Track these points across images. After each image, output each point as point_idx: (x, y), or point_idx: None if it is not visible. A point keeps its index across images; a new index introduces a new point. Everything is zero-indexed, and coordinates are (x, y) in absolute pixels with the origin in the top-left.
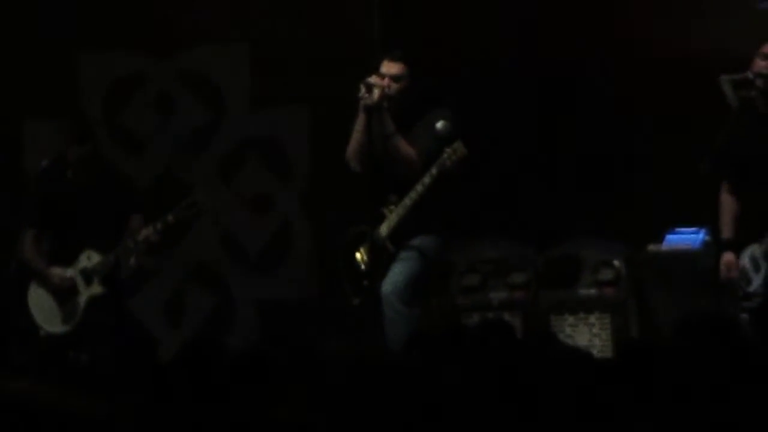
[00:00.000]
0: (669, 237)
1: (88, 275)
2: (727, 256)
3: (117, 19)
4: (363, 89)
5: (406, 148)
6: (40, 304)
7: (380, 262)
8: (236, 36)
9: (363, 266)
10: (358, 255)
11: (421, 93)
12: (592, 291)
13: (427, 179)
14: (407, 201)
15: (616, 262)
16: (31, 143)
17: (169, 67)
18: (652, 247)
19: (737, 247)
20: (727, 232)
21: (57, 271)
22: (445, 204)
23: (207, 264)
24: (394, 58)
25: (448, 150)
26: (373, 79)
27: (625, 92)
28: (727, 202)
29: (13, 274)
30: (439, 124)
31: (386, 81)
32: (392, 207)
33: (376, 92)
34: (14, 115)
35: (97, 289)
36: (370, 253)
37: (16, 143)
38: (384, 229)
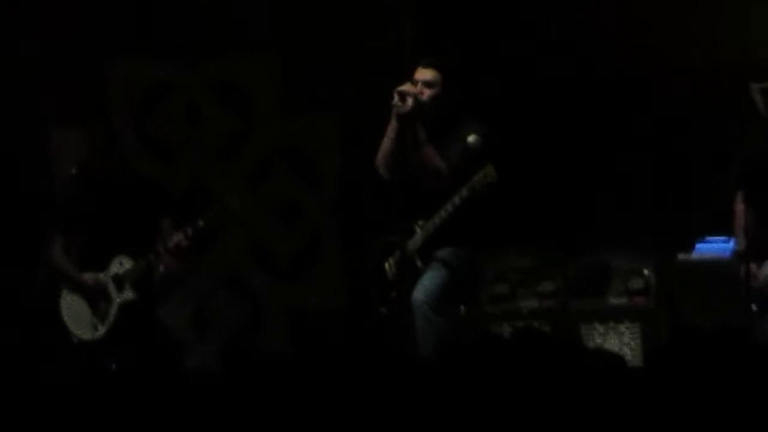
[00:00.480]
0: (699, 246)
1: (119, 281)
2: (748, 267)
3: (146, 27)
4: (396, 97)
5: (436, 160)
6: (73, 310)
7: (408, 275)
8: (266, 44)
9: (391, 277)
10: (386, 265)
11: (454, 102)
12: (623, 300)
13: (456, 200)
14: (436, 219)
15: (646, 271)
16: (61, 151)
17: (198, 76)
18: (682, 256)
19: (756, 257)
20: (741, 243)
21: (90, 277)
22: (474, 219)
23: (236, 273)
24: (427, 65)
25: (479, 174)
26: (406, 87)
27: (660, 100)
28: (742, 213)
29: (42, 282)
30: (471, 138)
31: (419, 87)
32: (421, 222)
33: (410, 101)
34: (44, 123)
35: (128, 295)
36: (398, 265)
37: (45, 151)
38: (413, 244)
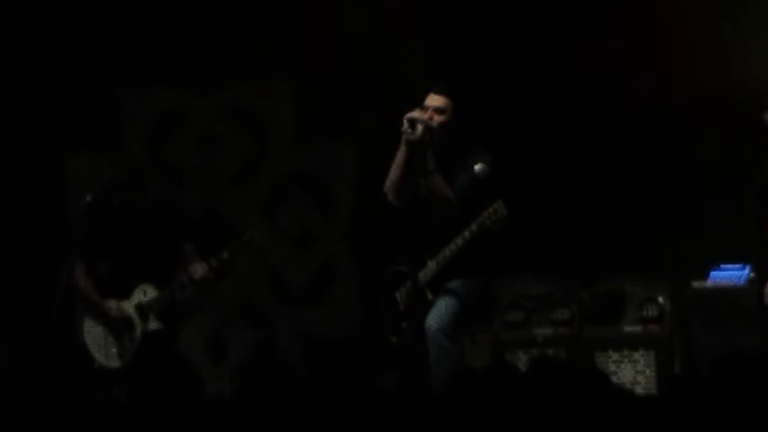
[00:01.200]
0: (714, 273)
1: (143, 310)
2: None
3: (161, 54)
4: (406, 124)
5: (443, 188)
6: (96, 336)
7: (418, 305)
8: (280, 72)
9: (402, 307)
10: (397, 295)
11: (463, 130)
12: (637, 328)
13: (467, 234)
14: (447, 252)
15: (660, 299)
16: (74, 177)
17: (212, 103)
18: (696, 284)
19: None
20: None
21: (113, 306)
22: (484, 252)
23: (250, 300)
24: (438, 91)
25: (489, 209)
26: (416, 114)
27: (675, 126)
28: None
29: (57, 306)
30: (478, 167)
31: (429, 113)
32: (432, 255)
33: (420, 128)
34: (57, 149)
35: (152, 324)
36: (409, 296)
37: (59, 178)
38: (423, 276)
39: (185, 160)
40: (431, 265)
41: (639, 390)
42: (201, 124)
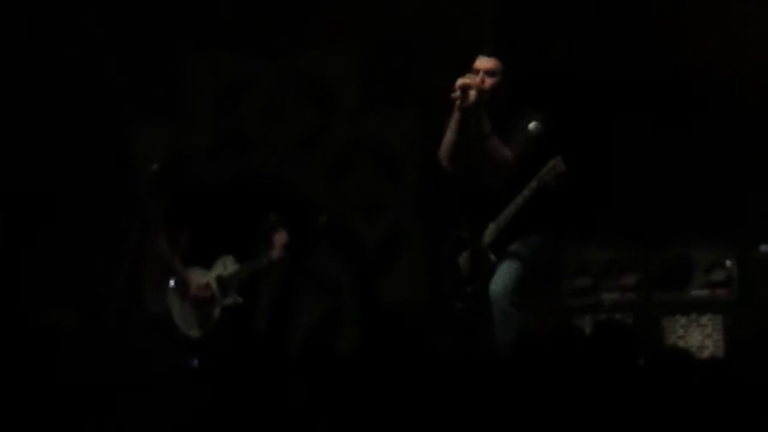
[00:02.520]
0: None
1: (223, 284)
2: None
3: (228, 23)
4: (458, 92)
5: (502, 150)
6: (178, 306)
7: (482, 270)
8: (346, 39)
9: (465, 272)
10: (460, 260)
11: (516, 91)
12: (704, 292)
13: (526, 192)
14: (507, 213)
15: (728, 263)
16: (141, 146)
17: (279, 70)
18: (764, 247)
19: None
20: None
21: (195, 279)
22: (546, 209)
23: (319, 267)
24: (487, 53)
25: (548, 166)
26: (467, 80)
27: (736, 92)
28: None
29: (124, 276)
30: (532, 126)
31: (480, 77)
32: (492, 218)
33: (472, 93)
34: (125, 117)
35: (232, 299)
36: (472, 260)
37: (126, 146)
38: (486, 238)
39: (252, 128)
40: (492, 228)
41: (706, 354)
42: (268, 91)
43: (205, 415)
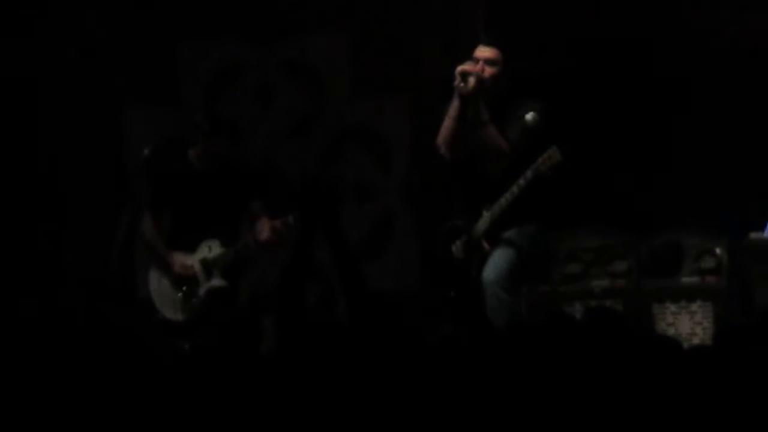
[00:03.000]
0: None
1: (208, 266)
2: None
3: (217, 7)
4: (458, 78)
5: (498, 139)
6: (160, 288)
7: (475, 257)
8: (337, 24)
9: (458, 259)
10: (453, 248)
11: (514, 81)
12: (694, 279)
13: (522, 181)
14: (503, 201)
15: (718, 250)
16: (132, 131)
17: (269, 56)
18: (753, 235)
19: None
20: None
21: (179, 260)
22: (542, 197)
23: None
24: (488, 43)
25: (544, 155)
26: (467, 67)
27: (725, 83)
28: None
29: (117, 257)
30: (529, 116)
31: (480, 65)
32: (488, 205)
33: (471, 80)
34: (114, 103)
35: (217, 282)
36: (465, 248)
37: (117, 131)
38: (480, 227)
39: (242, 114)
40: (486, 216)
41: (696, 341)
42: (257, 77)
43: (200, 399)
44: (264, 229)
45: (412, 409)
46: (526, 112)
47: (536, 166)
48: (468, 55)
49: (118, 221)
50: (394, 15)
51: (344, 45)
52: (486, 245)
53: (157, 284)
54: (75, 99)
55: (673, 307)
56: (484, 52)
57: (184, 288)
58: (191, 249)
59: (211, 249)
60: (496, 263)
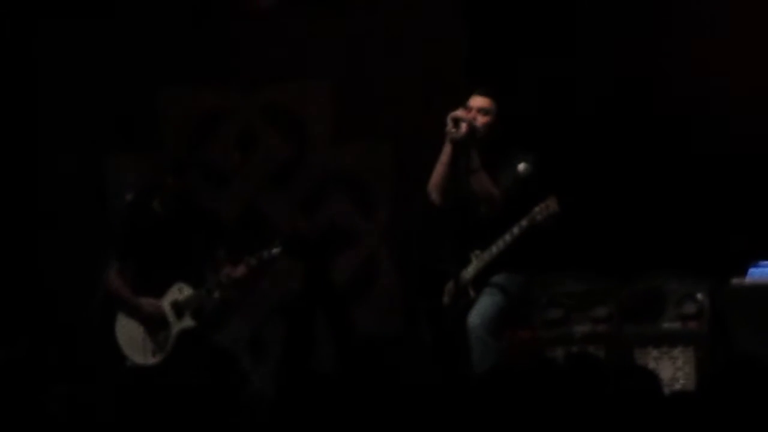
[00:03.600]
0: (752, 270)
1: (179, 308)
2: None
3: (200, 56)
4: (450, 123)
5: (489, 186)
6: (129, 334)
7: (460, 303)
8: (319, 72)
9: (443, 304)
10: (439, 293)
11: (505, 132)
12: (676, 324)
13: (516, 230)
14: (494, 249)
15: (699, 296)
16: (115, 177)
17: (252, 103)
18: (735, 281)
19: None
20: None
21: (149, 302)
22: (531, 247)
23: (289, 299)
24: (482, 93)
25: (541, 205)
26: (460, 113)
27: (709, 123)
28: None
29: (97, 305)
30: (521, 167)
31: (473, 113)
32: (478, 252)
33: (464, 126)
34: (97, 150)
35: (188, 322)
36: (452, 294)
37: (99, 178)
38: (468, 273)
39: (225, 161)
40: (476, 262)
41: (678, 387)
42: (241, 123)
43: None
44: (238, 267)
45: None
46: (519, 162)
47: (532, 215)
48: (448, 101)
49: (101, 268)
50: (376, 62)
51: (327, 91)
52: (472, 292)
53: (125, 330)
54: (58, 145)
55: (654, 353)
56: (477, 101)
57: (155, 331)
58: (162, 293)
59: (181, 291)
60: (483, 308)
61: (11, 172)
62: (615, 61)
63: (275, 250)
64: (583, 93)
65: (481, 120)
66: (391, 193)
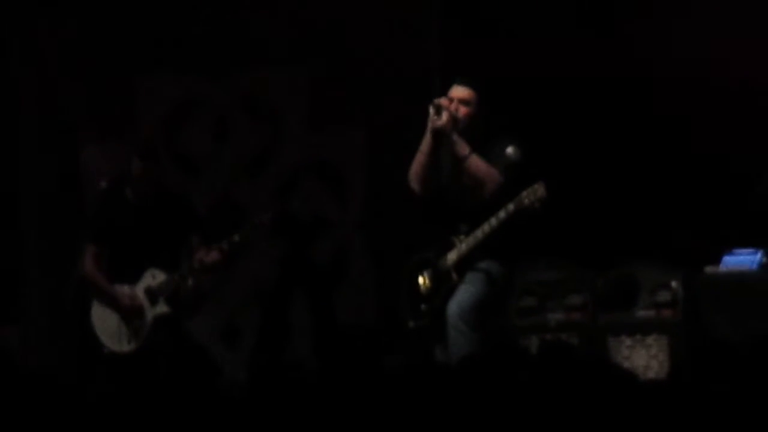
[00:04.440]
0: (726, 258)
1: (153, 294)
2: None
3: (174, 43)
4: (432, 111)
5: (485, 167)
6: (104, 322)
7: (442, 288)
8: (294, 59)
9: (424, 290)
10: (420, 279)
11: (488, 122)
12: (650, 313)
13: (502, 214)
14: (479, 233)
15: (673, 284)
16: (89, 165)
17: (226, 91)
18: (709, 269)
19: None
20: None
21: (124, 291)
22: (517, 234)
23: (264, 286)
24: (463, 83)
25: (528, 189)
26: (442, 101)
27: (683, 113)
28: None
29: (73, 291)
30: (510, 150)
31: (454, 104)
32: (462, 237)
33: (445, 115)
34: (73, 139)
35: (162, 308)
36: (433, 279)
37: (74, 167)
38: (451, 257)
39: (199, 149)
40: (461, 246)
41: (651, 375)
42: (215, 111)
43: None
44: (211, 251)
45: None
46: (506, 147)
47: (519, 199)
48: (424, 89)
49: (76, 256)
50: (352, 51)
51: (302, 80)
52: (455, 276)
53: (102, 317)
54: (33, 134)
55: (628, 341)
56: (458, 91)
57: (130, 318)
58: (135, 280)
59: (155, 277)
60: (461, 297)
61: None
62: (585, 56)
63: (248, 232)
64: (556, 82)
65: (462, 110)
66: (364, 182)
